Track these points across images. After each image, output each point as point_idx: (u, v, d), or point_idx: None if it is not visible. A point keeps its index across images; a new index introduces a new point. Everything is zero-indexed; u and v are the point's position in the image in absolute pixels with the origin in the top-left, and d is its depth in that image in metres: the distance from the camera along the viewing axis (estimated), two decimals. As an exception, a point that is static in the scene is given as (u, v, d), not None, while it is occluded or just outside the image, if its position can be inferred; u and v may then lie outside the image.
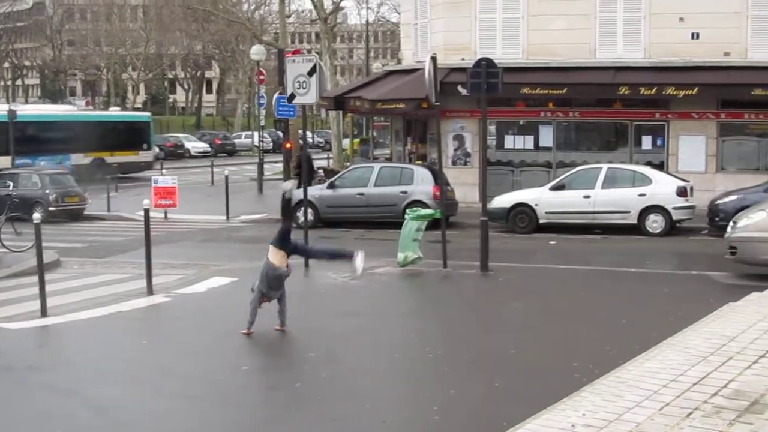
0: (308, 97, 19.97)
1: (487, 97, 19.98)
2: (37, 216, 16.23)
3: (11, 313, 15.83)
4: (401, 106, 33.39)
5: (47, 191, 32.51)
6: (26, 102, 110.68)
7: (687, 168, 31.01)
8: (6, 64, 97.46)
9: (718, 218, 24.91)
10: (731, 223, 18.80)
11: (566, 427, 7.45)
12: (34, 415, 10.02)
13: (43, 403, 10.47)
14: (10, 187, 31.43)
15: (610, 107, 32.62)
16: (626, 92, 31.34)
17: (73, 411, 10.15)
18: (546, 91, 32.42)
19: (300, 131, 49.70)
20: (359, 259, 13.61)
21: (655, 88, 30.94)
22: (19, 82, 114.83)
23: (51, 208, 31.40)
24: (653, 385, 8.37)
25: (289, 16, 72.61)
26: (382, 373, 11.70)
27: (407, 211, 21.08)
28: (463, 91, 26.90)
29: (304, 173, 22.91)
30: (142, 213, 17.95)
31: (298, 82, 19.83)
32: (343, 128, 51.31)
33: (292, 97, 20.10)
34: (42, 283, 15.39)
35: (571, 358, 11.68)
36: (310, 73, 19.73)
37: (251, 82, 78.00)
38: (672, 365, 9.11)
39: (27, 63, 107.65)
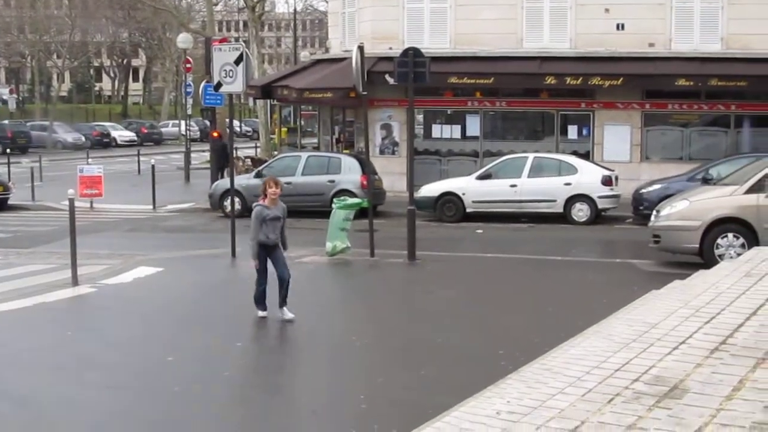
0: (235, 85, 19.88)
1: (414, 86, 20.05)
2: (-42, 205, 15.99)
3: (-68, 305, 15.60)
4: (329, 95, 33.35)
5: (-31, 181, 32.03)
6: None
7: (612, 157, 31.39)
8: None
9: (642, 207, 25.27)
10: (655, 212, 19.08)
11: (491, 414, 7.49)
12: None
13: (-36, 396, 10.33)
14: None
15: (536, 97, 32.90)
16: (552, 82, 31.60)
17: (-6, 403, 10.03)
18: (473, 81, 32.57)
19: (227, 120, 49.66)
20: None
21: (581, 78, 31.23)
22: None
23: (-27, 198, 30.95)
24: (577, 372, 8.45)
25: (216, 4, 72.18)
26: (309, 363, 11.71)
27: (335, 200, 21.10)
28: (391, 81, 26.96)
29: (214, 162, 22.74)
30: (67, 202, 17.75)
31: (225, 70, 19.73)
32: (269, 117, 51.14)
33: (219, 85, 20.00)
34: (-36, 274, 15.19)
35: (498, 346, 11.79)
36: (237, 61, 19.65)
37: (178, 71, 77.31)
38: (595, 352, 9.20)
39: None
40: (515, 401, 7.78)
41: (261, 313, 13.81)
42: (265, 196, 13.72)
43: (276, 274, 13.74)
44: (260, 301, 13.95)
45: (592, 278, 17.29)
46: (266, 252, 13.79)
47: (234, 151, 24.22)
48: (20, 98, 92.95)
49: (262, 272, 13.82)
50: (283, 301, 13.69)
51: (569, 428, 6.76)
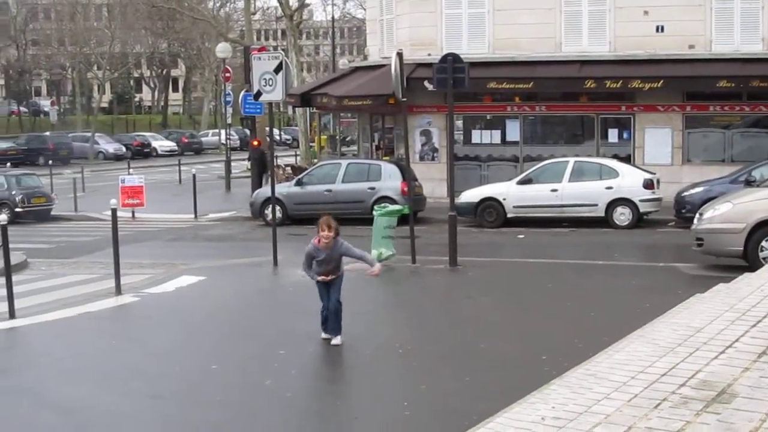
0: (275, 94, 19.94)
1: (453, 92, 20.02)
2: (3, 217, 16.12)
3: (-22, 316, 15.73)
4: (368, 102, 33.37)
5: (13, 192, 32.32)
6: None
7: (653, 160, 31.20)
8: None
9: (684, 210, 25.09)
10: (698, 215, 18.93)
11: (536, 420, 7.45)
12: (-1, 417, 9.96)
13: (8, 406, 10.37)
14: (-23, 190, 31.23)
15: (576, 101, 32.76)
16: (592, 86, 31.46)
17: (38, 413, 10.07)
18: (512, 86, 32.47)
19: (266, 128, 49.82)
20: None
21: (621, 82, 31.07)
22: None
23: (17, 209, 31.16)
24: (622, 377, 8.40)
25: (254, 14, 72.42)
26: (352, 370, 11.71)
27: (375, 207, 21.07)
28: (430, 87, 26.91)
29: (255, 171, 22.81)
30: (108, 212, 17.87)
31: (265, 79, 19.79)
32: (309, 125, 51.30)
33: (259, 94, 20.06)
34: (9, 285, 15.29)
35: (541, 352, 11.73)
36: (277, 70, 19.71)
37: (217, 80, 77.65)
38: (640, 357, 9.14)
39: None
40: (560, 407, 7.73)
41: (323, 335, 12.98)
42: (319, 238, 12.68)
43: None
44: (323, 324, 13.03)
45: (634, 282, 17.16)
46: (322, 284, 12.93)
47: (275, 160, 24.23)
48: (61, 110, 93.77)
49: (323, 298, 12.94)
50: (333, 328, 12.85)
51: (616, 434, 6.72)
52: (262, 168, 34.51)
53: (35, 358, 12.81)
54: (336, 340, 12.71)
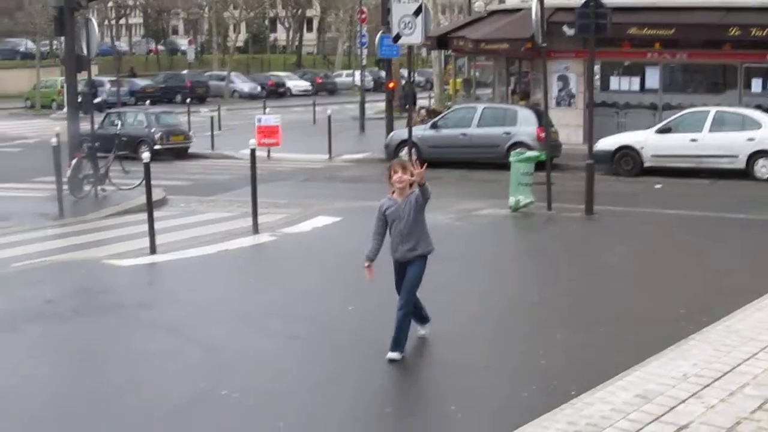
0: (413, 37, 19.94)
1: (594, 37, 19.67)
2: (146, 155, 16.47)
3: (121, 251, 16.18)
4: (505, 46, 33.05)
5: (153, 130, 32.95)
6: (129, 41, 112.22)
7: (799, 111, 30.24)
8: (110, 3, 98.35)
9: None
10: None
11: (677, 376, 7.36)
12: (144, 352, 10.24)
13: (152, 341, 10.68)
14: (118, 126, 31.90)
15: (719, 48, 31.79)
16: (736, 33, 30.52)
17: (181, 349, 10.34)
18: (653, 32, 31.71)
19: (401, 71, 49.78)
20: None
21: (767, 30, 30.10)
22: (122, 21, 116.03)
23: (156, 147, 31.75)
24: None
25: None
26: (485, 317, 11.68)
27: (512, 153, 20.87)
28: (570, 32, 26.50)
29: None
30: (244, 151, 18.12)
31: (404, 22, 19.79)
32: (444, 68, 51.10)
33: (398, 37, 20.07)
34: (151, 221, 15.66)
35: (677, 306, 11.53)
36: (416, 13, 19.69)
37: (352, 21, 77.83)
38: (785, 316, 8.96)
39: (130, 2, 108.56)
40: (703, 364, 7.62)
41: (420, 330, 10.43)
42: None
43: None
44: (416, 316, 10.29)
45: (776, 238, 16.77)
46: (399, 268, 10.12)
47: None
48: (198, 49, 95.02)
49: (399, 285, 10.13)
50: (394, 344, 9.71)
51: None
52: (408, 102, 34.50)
53: (177, 294, 13.11)
54: (423, 331, 10.40)
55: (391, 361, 9.57)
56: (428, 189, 9.60)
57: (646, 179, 25.58)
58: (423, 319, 10.39)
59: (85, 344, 10.74)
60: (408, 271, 9.85)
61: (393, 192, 9.81)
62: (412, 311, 9.94)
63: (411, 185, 9.65)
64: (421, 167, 9.45)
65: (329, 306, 12.09)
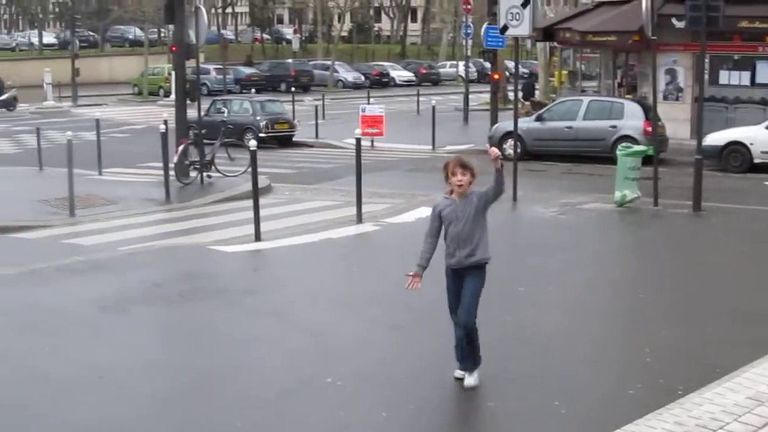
0: (521, 29, 19.79)
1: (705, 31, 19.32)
2: (253, 143, 16.67)
3: (226, 237, 16.38)
4: (612, 38, 32.64)
5: (258, 117, 33.27)
6: (235, 29, 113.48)
7: None
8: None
9: None
10: None
11: (789, 379, 7.22)
12: (249, 336, 10.38)
13: (258, 326, 10.82)
14: (224, 114, 32.26)
15: (832, 43, 31.07)
16: None
17: (286, 334, 10.44)
18: (765, 25, 31.06)
19: (506, 62, 49.57)
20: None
21: None
22: (228, 10, 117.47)
23: (261, 134, 32.03)
24: None
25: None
26: (590, 312, 11.57)
27: (619, 147, 20.60)
28: (679, 24, 26.07)
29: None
30: (348, 140, 18.19)
31: (511, 13, 19.64)
32: (549, 60, 50.77)
33: (505, 28, 19.94)
34: (257, 209, 15.81)
35: (789, 306, 11.31)
36: (524, 4, 19.51)
37: (457, 11, 77.63)
38: None
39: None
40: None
41: (457, 372, 8.91)
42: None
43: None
44: (457, 352, 8.86)
45: None
46: (454, 278, 8.85)
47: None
48: (303, 38, 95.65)
49: (452, 304, 8.86)
50: (463, 360, 8.83)
51: None
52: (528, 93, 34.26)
53: (281, 281, 13.26)
54: (470, 380, 8.73)
55: (464, 384, 8.69)
56: (503, 178, 8.65)
57: (756, 176, 25.06)
58: (475, 361, 8.84)
59: (192, 328, 10.92)
60: (466, 287, 8.67)
61: (451, 191, 8.69)
62: (473, 333, 8.73)
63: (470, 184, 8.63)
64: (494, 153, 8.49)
65: (431, 297, 12.03)
